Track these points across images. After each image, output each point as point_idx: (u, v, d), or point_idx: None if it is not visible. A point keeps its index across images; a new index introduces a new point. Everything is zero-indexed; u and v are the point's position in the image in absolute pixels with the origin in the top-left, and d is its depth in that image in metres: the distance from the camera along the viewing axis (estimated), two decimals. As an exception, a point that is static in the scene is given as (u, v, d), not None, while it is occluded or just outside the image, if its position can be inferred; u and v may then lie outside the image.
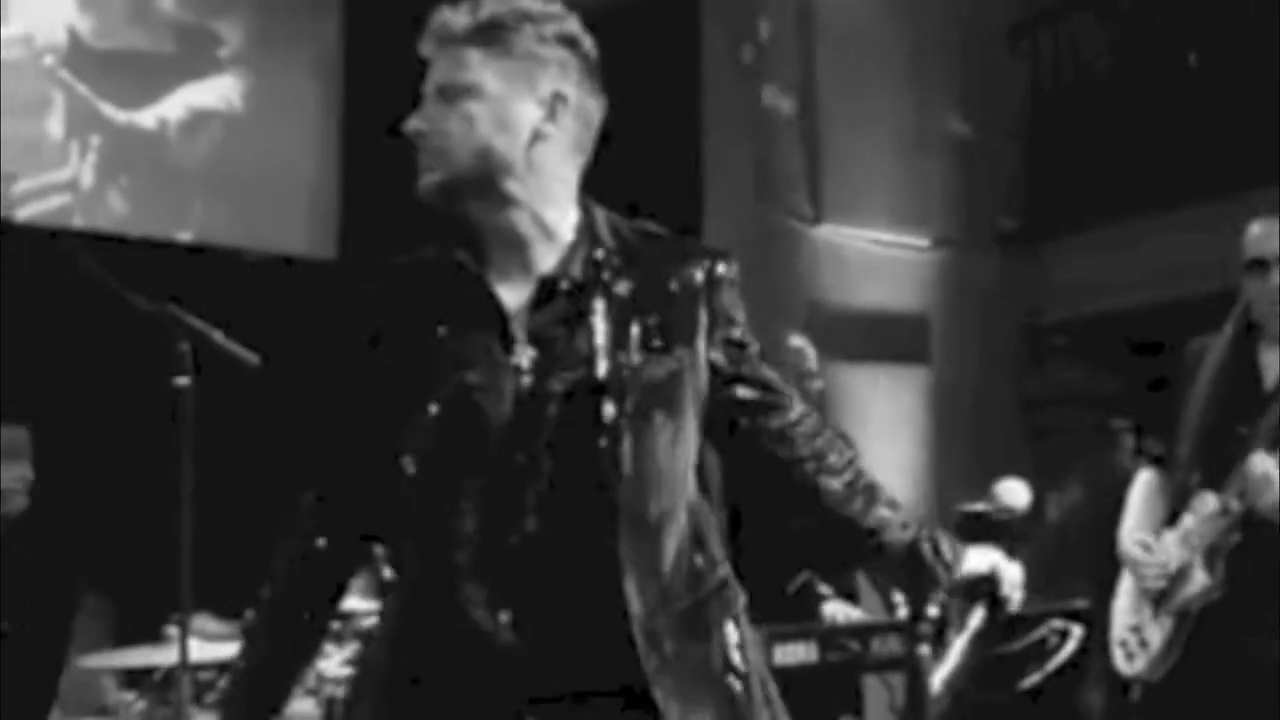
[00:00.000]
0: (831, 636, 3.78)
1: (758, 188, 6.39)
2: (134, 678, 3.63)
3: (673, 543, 1.90)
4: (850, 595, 4.27)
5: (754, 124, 6.40)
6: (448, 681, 1.86)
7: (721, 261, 1.96)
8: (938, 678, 2.03)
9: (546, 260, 1.90)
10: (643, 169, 5.57)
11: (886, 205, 6.71)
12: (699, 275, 1.93)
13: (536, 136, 1.89)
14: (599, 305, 1.89)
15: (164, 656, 3.27)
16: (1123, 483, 3.80)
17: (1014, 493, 2.16)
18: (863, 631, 3.79)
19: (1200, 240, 5.79)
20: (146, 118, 4.97)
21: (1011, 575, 2.08)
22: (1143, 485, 3.52)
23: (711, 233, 6.10)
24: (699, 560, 1.93)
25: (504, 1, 1.91)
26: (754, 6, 6.47)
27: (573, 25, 1.94)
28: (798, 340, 4.36)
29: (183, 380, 2.64)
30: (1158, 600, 3.37)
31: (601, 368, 1.86)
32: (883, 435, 5.97)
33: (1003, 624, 2.14)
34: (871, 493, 2.01)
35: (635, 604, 1.83)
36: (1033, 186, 6.91)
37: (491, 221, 1.91)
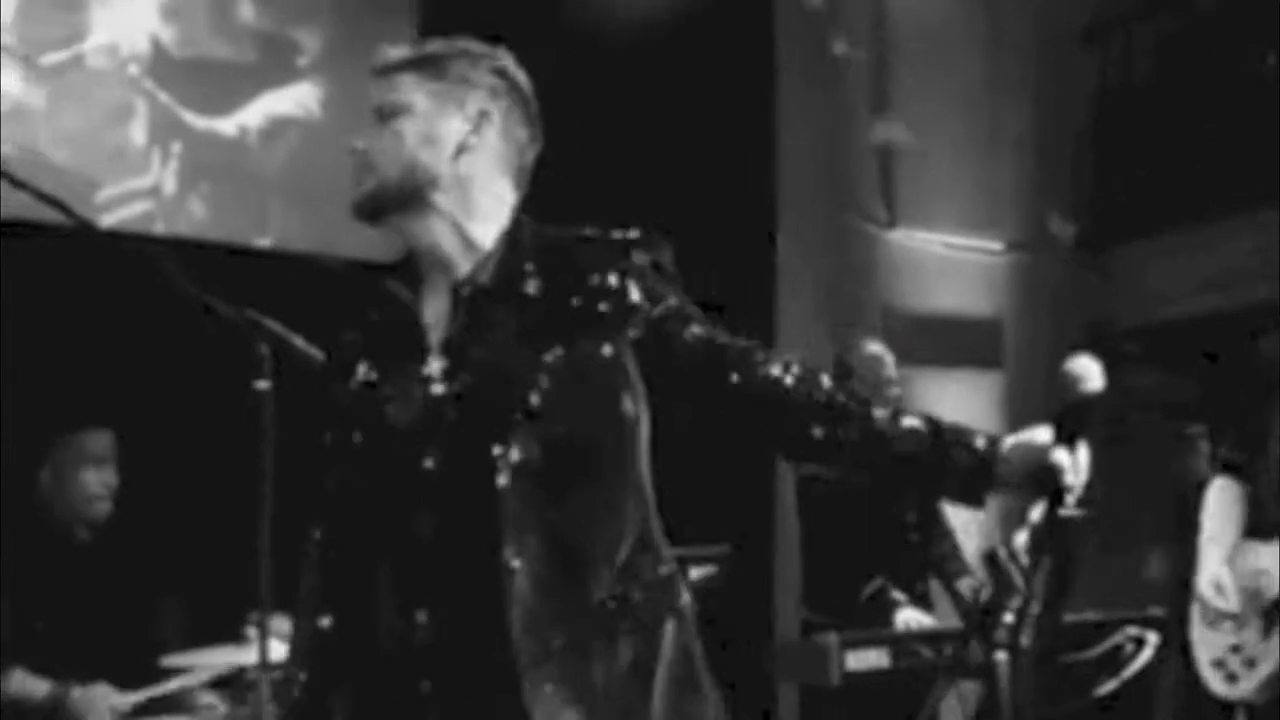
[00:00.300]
0: (904, 643, 3.77)
1: (831, 192, 6.38)
2: (214, 678, 3.69)
3: (604, 535, 1.93)
4: (924, 602, 4.26)
5: (827, 128, 6.39)
6: (363, 684, 1.95)
7: (638, 249, 1.99)
8: (1012, 606, 1.88)
9: (466, 271, 2.00)
10: (717, 174, 5.58)
11: (959, 208, 6.67)
12: (615, 265, 1.97)
13: (462, 149, 1.99)
14: (506, 307, 1.95)
15: (244, 657, 3.33)
16: (1200, 489, 3.76)
17: (1089, 373, 1.89)
18: (937, 638, 3.78)
19: (1275, 245, 5.70)
20: (227, 125, 5.03)
21: (1077, 462, 1.88)
22: (1218, 492, 3.47)
23: (785, 238, 6.09)
24: (639, 555, 1.96)
25: (445, 42, 2.06)
26: (826, 11, 6.45)
27: (507, 61, 2.06)
28: (875, 347, 4.33)
29: (262, 384, 2.68)
30: (1267, 618, 3.28)
31: (502, 368, 1.92)
32: (956, 441, 5.92)
33: (1065, 519, 1.87)
34: (844, 409, 1.94)
35: (527, 597, 1.87)
36: (1105, 190, 6.84)
37: (415, 233, 2.01)
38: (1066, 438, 1.87)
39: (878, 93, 6.56)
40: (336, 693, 1.99)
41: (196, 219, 4.98)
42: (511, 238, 2.00)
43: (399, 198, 2.00)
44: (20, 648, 3.74)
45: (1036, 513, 1.86)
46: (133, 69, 4.89)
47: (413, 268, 2.04)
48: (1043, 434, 1.88)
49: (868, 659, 3.69)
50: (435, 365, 1.96)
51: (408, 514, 1.92)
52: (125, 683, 3.72)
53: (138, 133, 4.90)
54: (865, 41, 6.45)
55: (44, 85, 4.72)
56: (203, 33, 5.03)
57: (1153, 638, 3.76)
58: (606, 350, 1.93)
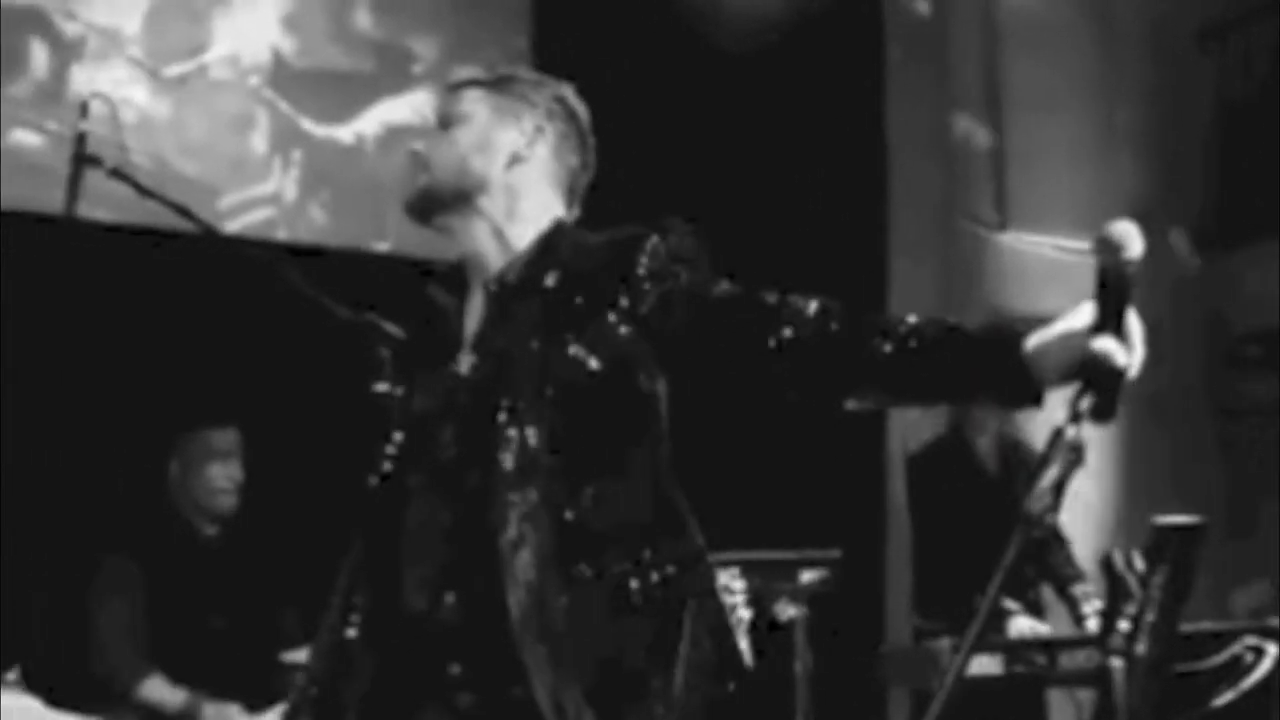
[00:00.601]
0: (1018, 649, 3.75)
1: (942, 194, 6.34)
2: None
3: (616, 515, 1.95)
4: (1036, 609, 4.22)
5: (938, 130, 6.35)
6: (392, 671, 2.00)
7: (649, 237, 2.01)
8: (1047, 478, 1.58)
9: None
10: (826, 176, 5.58)
11: (1072, 211, 6.59)
12: (627, 251, 2.00)
13: (514, 160, 2.09)
14: (528, 301, 2.02)
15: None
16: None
17: (1130, 236, 1.67)
18: (1050, 645, 3.75)
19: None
20: (345, 133, 5.12)
21: (1129, 337, 1.68)
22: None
23: (895, 240, 6.07)
24: (657, 536, 1.97)
25: (514, 69, 2.22)
26: (937, 10, 6.42)
27: (567, 91, 2.16)
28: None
29: (382, 386, 2.74)
30: None
31: (512, 354, 1.98)
32: (1070, 446, 5.86)
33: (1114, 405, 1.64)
34: (865, 333, 1.86)
35: (531, 577, 1.90)
36: (1224, 193, 6.72)
37: (460, 235, 2.11)
38: (1113, 313, 1.68)
39: (989, 92, 6.51)
40: (356, 685, 2.04)
41: (316, 225, 5.07)
42: (546, 241, 2.08)
43: (449, 198, 2.09)
44: (153, 642, 3.85)
45: (1087, 401, 1.64)
46: (254, 79, 5.00)
47: (460, 272, 2.13)
48: (1082, 315, 1.72)
49: (980, 665, 3.67)
50: (464, 361, 2.05)
51: (432, 498, 2.01)
52: (248, 674, 3.82)
53: (259, 141, 5.01)
54: (976, 49, 6.40)
55: (169, 96, 4.84)
56: (321, 43, 5.12)
57: (1272, 649, 3.69)
58: (617, 331, 1.97)
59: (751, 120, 5.38)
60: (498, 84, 2.14)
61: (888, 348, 1.82)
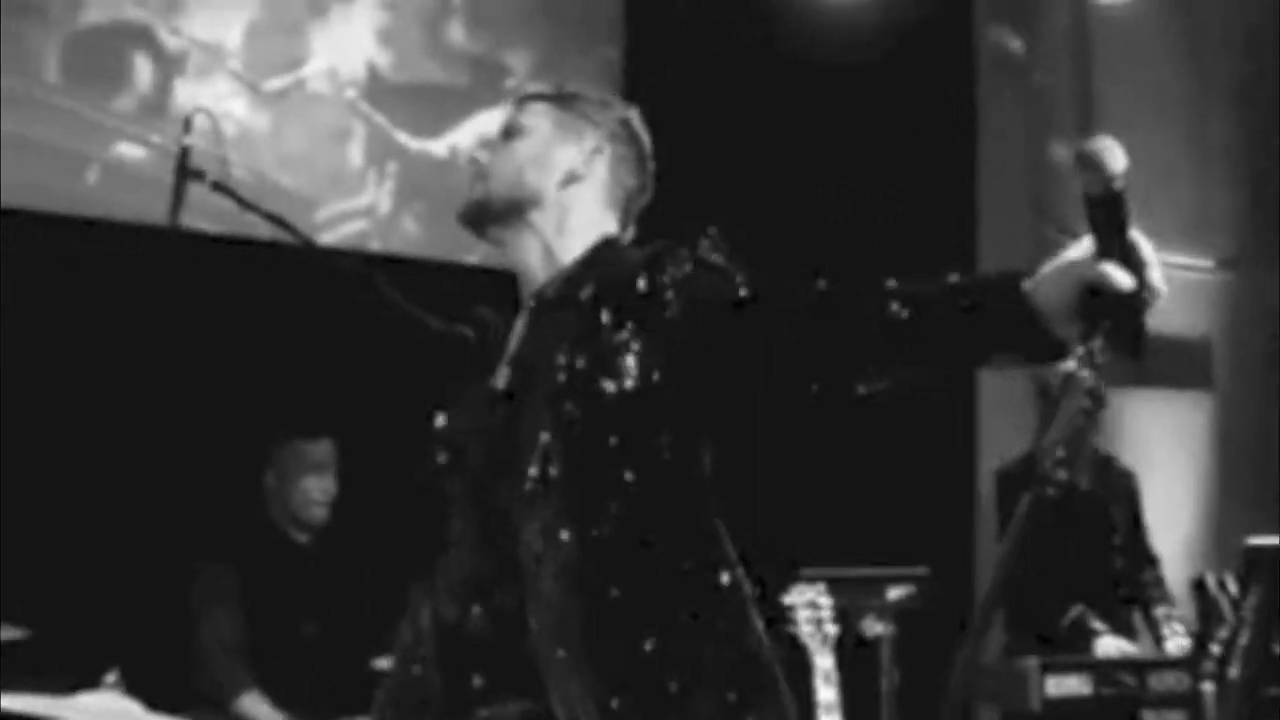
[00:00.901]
0: (1107, 670, 3.72)
1: (1032, 203, 6.29)
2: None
3: (639, 529, 1.93)
4: (1128, 630, 4.18)
5: (1028, 138, 6.31)
6: (424, 674, 2.03)
7: (677, 248, 2.00)
8: (1058, 429, 1.47)
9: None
10: (916, 185, 5.56)
11: (1167, 223, 6.50)
12: (651, 263, 2.00)
13: (570, 178, 2.10)
14: (562, 314, 2.02)
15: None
16: None
17: (1113, 152, 1.58)
18: (1140, 666, 3.72)
19: None
20: (439, 146, 5.19)
21: (1139, 254, 1.59)
22: None
23: (985, 249, 6.03)
24: (680, 550, 1.95)
25: (584, 88, 2.22)
26: (1028, 21, 6.37)
27: (632, 114, 2.18)
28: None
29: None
30: None
31: (539, 368, 1.98)
32: (1164, 463, 5.79)
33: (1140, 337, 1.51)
34: (876, 306, 1.81)
35: (551, 592, 1.91)
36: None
37: (510, 248, 2.12)
38: (1111, 237, 1.59)
39: (1081, 102, 6.45)
40: (427, 693, 2.06)
41: (410, 237, 5.15)
42: (591, 256, 2.08)
43: (502, 210, 2.11)
44: (251, 653, 3.91)
45: (1097, 344, 1.54)
46: (350, 92, 5.08)
47: (515, 287, 2.14)
48: (1082, 246, 1.65)
49: (1068, 685, 3.65)
50: (501, 375, 2.06)
51: (466, 511, 2.04)
52: (340, 681, 3.87)
53: (355, 154, 5.09)
54: (1066, 58, 6.34)
55: (268, 110, 4.94)
56: (416, 56, 5.19)
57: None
58: (645, 343, 1.96)
59: (843, 129, 5.38)
60: (563, 100, 2.16)
61: (905, 313, 1.77)
